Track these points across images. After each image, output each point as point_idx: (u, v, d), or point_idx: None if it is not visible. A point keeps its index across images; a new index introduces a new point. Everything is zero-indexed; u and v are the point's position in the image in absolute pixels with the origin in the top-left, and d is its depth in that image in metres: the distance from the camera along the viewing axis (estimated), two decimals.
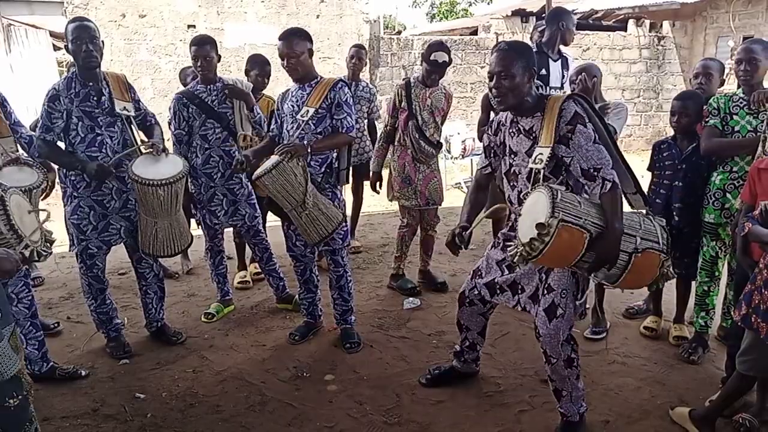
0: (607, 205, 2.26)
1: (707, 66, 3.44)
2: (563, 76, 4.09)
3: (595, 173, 2.29)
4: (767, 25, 10.07)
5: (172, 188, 3.10)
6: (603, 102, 3.70)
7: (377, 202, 6.37)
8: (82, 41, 3.07)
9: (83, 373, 3.22)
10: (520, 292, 2.63)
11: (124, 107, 3.26)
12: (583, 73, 3.56)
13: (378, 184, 4.38)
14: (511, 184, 2.60)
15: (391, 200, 4.36)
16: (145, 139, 3.37)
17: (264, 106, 4.14)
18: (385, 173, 4.36)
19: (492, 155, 2.72)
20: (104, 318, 3.45)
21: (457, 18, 22.15)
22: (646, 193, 3.18)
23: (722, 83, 3.55)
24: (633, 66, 11.29)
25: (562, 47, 4.11)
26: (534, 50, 2.95)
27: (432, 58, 3.96)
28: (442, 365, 3.15)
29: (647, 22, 11.37)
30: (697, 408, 2.67)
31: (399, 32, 15.26)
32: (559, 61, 4.10)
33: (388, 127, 4.20)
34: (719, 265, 3.26)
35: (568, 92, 4.02)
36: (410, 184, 4.14)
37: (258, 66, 4.28)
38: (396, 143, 4.18)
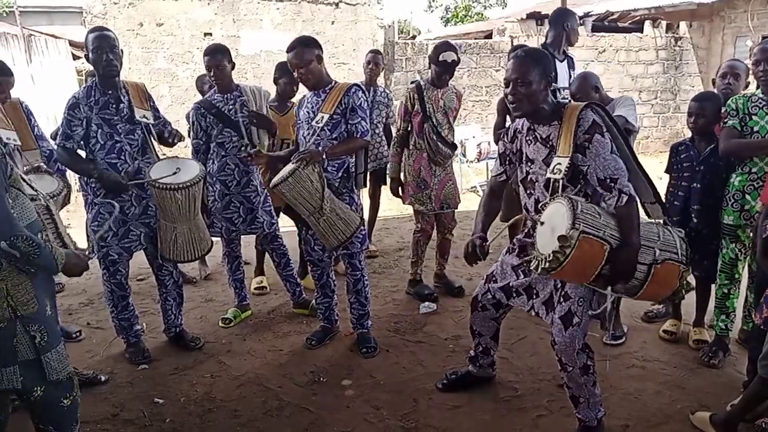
0: (624, 218, 2.25)
1: (735, 66, 3.41)
2: (570, 76, 4.09)
3: (612, 184, 2.28)
4: None
5: (189, 192, 3.13)
6: (610, 101, 3.66)
7: (393, 207, 6.37)
8: (103, 50, 3.11)
9: (103, 378, 3.25)
10: (534, 296, 2.62)
11: (144, 115, 3.31)
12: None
13: (400, 189, 4.27)
14: (528, 191, 2.59)
15: (407, 204, 4.35)
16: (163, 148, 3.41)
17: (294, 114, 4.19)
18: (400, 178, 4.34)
19: (507, 162, 2.72)
20: (125, 324, 3.48)
21: (472, 22, 22.14)
22: (664, 195, 3.16)
23: (747, 85, 3.51)
24: (650, 67, 11.19)
25: (568, 48, 4.10)
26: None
27: (441, 59, 3.96)
28: (459, 370, 3.14)
29: (664, 23, 11.27)
30: (718, 412, 2.63)
31: (413, 37, 15.29)
32: (565, 61, 4.10)
33: (401, 131, 4.18)
34: (739, 268, 3.21)
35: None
36: (425, 188, 4.12)
37: (287, 74, 4.29)
38: (411, 147, 4.16)
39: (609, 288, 2.32)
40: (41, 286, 2.14)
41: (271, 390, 3.14)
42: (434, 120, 4.03)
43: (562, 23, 4.00)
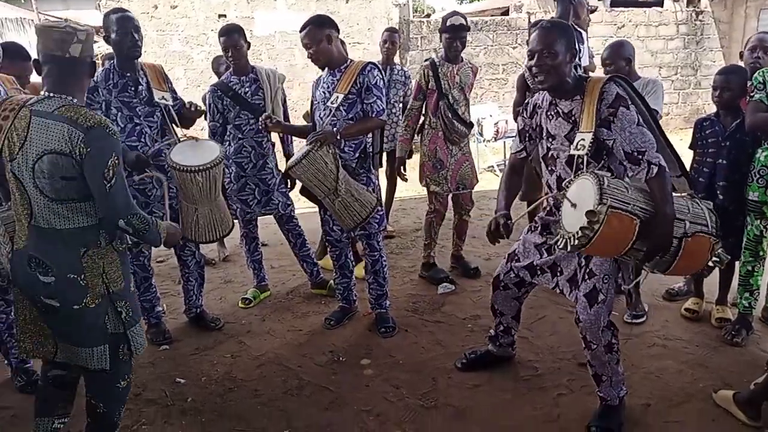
0: (656, 190, 2.20)
1: (765, 39, 3.31)
2: (579, 51, 4.00)
3: (640, 156, 2.23)
4: None
5: (210, 173, 3.12)
6: (637, 79, 3.59)
7: (410, 187, 6.33)
8: (127, 31, 3.11)
9: None
10: (559, 274, 2.59)
11: (163, 96, 3.30)
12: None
13: (402, 168, 4.22)
14: (549, 168, 2.55)
15: (424, 185, 4.31)
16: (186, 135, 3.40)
17: None
18: (416, 158, 4.30)
19: (527, 139, 2.67)
20: (147, 306, 3.51)
21: None
22: (689, 171, 3.09)
23: None
24: (670, 42, 10.97)
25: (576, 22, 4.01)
26: None
27: (449, 23, 3.90)
28: (478, 349, 3.13)
29: None
30: (741, 391, 2.60)
31: (428, 15, 15.10)
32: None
33: (413, 111, 4.07)
34: (764, 245, 3.16)
35: (585, 65, 3.95)
36: (442, 168, 4.06)
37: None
38: (426, 126, 4.09)
39: (642, 263, 2.28)
40: (125, 263, 2.27)
41: (291, 369, 3.16)
42: (450, 97, 3.97)
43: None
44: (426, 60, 4.09)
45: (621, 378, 2.55)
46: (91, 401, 2.32)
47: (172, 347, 3.45)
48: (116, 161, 2.04)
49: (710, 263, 2.32)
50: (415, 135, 4.22)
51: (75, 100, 2.08)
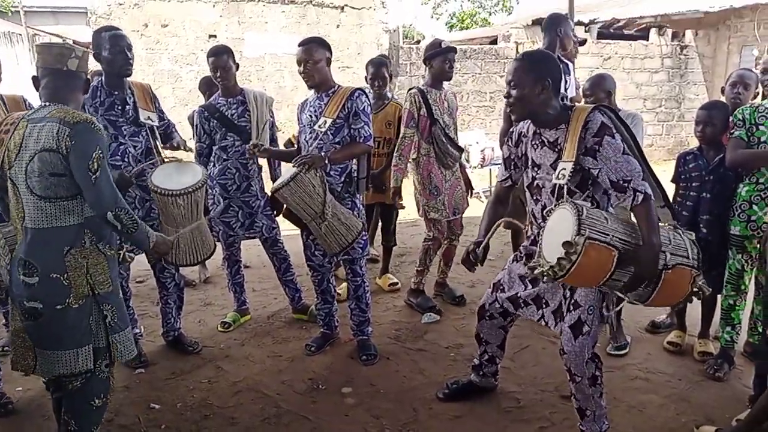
0: (642, 218, 2.19)
1: (745, 76, 3.37)
2: (566, 82, 4.04)
3: (626, 185, 2.23)
4: None
5: (191, 197, 3.09)
6: (617, 110, 3.62)
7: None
8: (121, 48, 3.12)
9: None
10: (544, 306, 2.57)
11: (149, 117, 3.28)
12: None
13: (399, 197, 4.08)
14: (534, 197, 2.55)
15: (422, 215, 4.20)
16: (167, 152, 3.37)
17: (392, 111, 4.29)
18: (410, 187, 4.25)
19: (512, 167, 2.68)
20: None
21: (477, 28, 22.12)
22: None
23: (756, 95, 3.47)
24: (655, 75, 11.16)
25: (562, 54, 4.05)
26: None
27: (444, 45, 3.92)
28: (460, 379, 3.09)
29: (669, 31, 11.24)
30: (723, 428, 2.59)
31: (418, 42, 15.26)
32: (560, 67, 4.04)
33: (406, 139, 3.96)
34: (745, 279, 3.17)
35: (572, 96, 3.98)
36: (438, 194, 4.01)
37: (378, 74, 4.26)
38: (417, 155, 4.04)
39: (620, 292, 2.27)
40: (114, 268, 2.30)
41: (269, 397, 3.10)
42: (441, 122, 3.98)
43: (555, 29, 3.98)
44: (411, 89, 4.08)
45: (604, 412, 2.52)
46: (64, 417, 2.31)
47: (147, 371, 3.38)
48: (101, 155, 2.12)
49: (691, 295, 2.30)
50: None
51: (70, 108, 2.19)
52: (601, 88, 3.43)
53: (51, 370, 2.21)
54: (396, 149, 4.01)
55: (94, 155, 2.10)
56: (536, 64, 2.38)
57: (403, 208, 4.23)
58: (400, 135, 4.02)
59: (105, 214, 2.14)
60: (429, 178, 4.03)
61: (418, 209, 4.20)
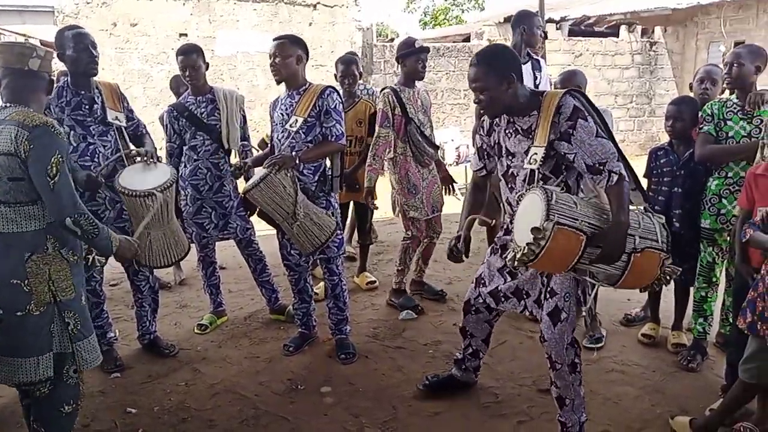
0: (614, 197, 2.23)
1: (712, 72, 3.44)
2: (535, 78, 4.08)
3: (601, 167, 2.26)
4: (758, 30, 10.13)
5: (160, 197, 3.04)
6: None
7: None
8: (85, 48, 3.06)
9: None
10: (525, 297, 2.60)
11: (116, 116, 3.23)
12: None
13: (372, 197, 4.05)
14: (510, 185, 2.57)
15: (397, 215, 4.21)
16: (136, 149, 3.31)
17: (362, 109, 4.28)
18: (385, 187, 4.23)
19: (486, 157, 2.70)
20: (98, 332, 3.36)
21: (450, 25, 22.21)
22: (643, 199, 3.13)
23: (724, 90, 3.54)
24: (625, 72, 11.32)
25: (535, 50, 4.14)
26: None
27: (417, 45, 3.93)
28: (441, 374, 3.10)
29: (639, 27, 11.41)
30: (697, 417, 2.63)
31: (392, 39, 15.26)
32: (529, 63, 4.08)
33: (381, 139, 3.92)
34: (717, 271, 3.23)
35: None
36: (416, 192, 4.00)
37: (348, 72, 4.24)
38: (393, 154, 4.02)
39: (590, 276, 2.30)
40: (77, 274, 2.26)
41: (247, 398, 3.07)
42: (416, 120, 3.98)
43: (520, 26, 4.04)
44: (384, 88, 4.06)
45: (582, 401, 2.55)
46: (34, 425, 2.27)
47: (123, 375, 3.32)
48: (60, 159, 2.08)
49: (660, 279, 2.33)
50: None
51: (30, 110, 2.13)
52: (572, 83, 3.48)
53: (11, 378, 2.17)
54: (370, 149, 3.98)
55: (53, 160, 2.06)
56: (494, 63, 2.38)
57: (376, 208, 4.20)
58: (375, 135, 3.98)
59: (64, 219, 2.10)
60: (407, 177, 4.02)
61: (394, 209, 4.20)
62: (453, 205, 6.67)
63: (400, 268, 4.21)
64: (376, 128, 3.96)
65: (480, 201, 2.77)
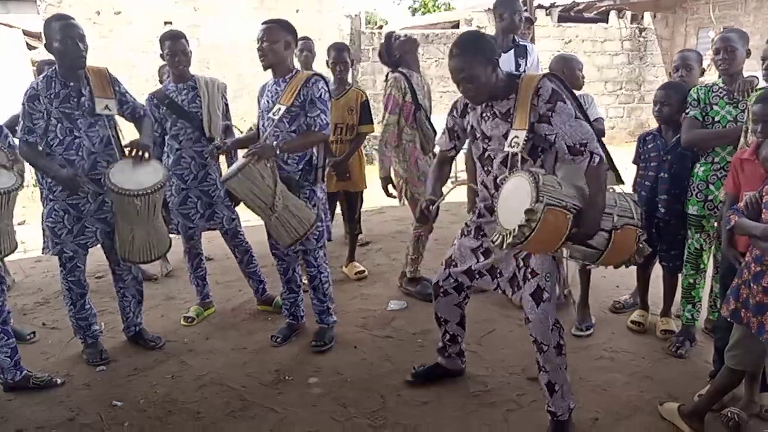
0: (593, 178, 2.27)
1: (686, 57, 3.43)
2: (518, 65, 4.04)
3: (582, 148, 2.29)
4: (747, 15, 10.13)
5: (149, 198, 2.99)
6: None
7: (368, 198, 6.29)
8: (73, 39, 2.98)
9: (59, 381, 3.12)
10: (498, 275, 2.61)
11: (106, 106, 3.15)
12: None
13: (392, 188, 4.04)
14: (486, 168, 2.56)
15: (402, 204, 4.18)
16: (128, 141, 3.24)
17: (354, 97, 4.23)
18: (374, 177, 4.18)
19: (457, 138, 2.71)
20: (83, 324, 3.34)
21: (439, 12, 22.07)
22: (631, 186, 3.15)
23: (703, 73, 3.53)
24: (615, 58, 11.30)
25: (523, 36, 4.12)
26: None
27: (404, 36, 3.94)
28: (428, 363, 3.08)
29: (628, 13, 11.39)
30: (686, 403, 2.63)
31: (381, 27, 15.15)
32: (512, 50, 4.02)
33: (390, 126, 3.88)
34: (704, 258, 3.23)
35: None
36: (426, 180, 3.97)
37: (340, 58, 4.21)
38: (400, 142, 3.95)
39: (568, 254, 2.38)
40: None
41: (234, 390, 3.04)
42: (423, 106, 3.95)
43: (500, 14, 4.01)
44: (394, 72, 3.97)
45: (569, 387, 2.56)
46: None
47: (109, 368, 3.29)
48: None
49: (637, 253, 2.41)
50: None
51: None
52: (559, 69, 3.45)
53: None
54: (381, 137, 3.94)
55: None
56: (477, 50, 2.35)
57: (394, 197, 4.14)
58: (384, 122, 3.92)
59: None
60: (416, 165, 3.98)
61: (400, 198, 4.15)
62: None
63: (414, 257, 4.15)
64: (386, 115, 3.91)
65: (447, 174, 2.82)
